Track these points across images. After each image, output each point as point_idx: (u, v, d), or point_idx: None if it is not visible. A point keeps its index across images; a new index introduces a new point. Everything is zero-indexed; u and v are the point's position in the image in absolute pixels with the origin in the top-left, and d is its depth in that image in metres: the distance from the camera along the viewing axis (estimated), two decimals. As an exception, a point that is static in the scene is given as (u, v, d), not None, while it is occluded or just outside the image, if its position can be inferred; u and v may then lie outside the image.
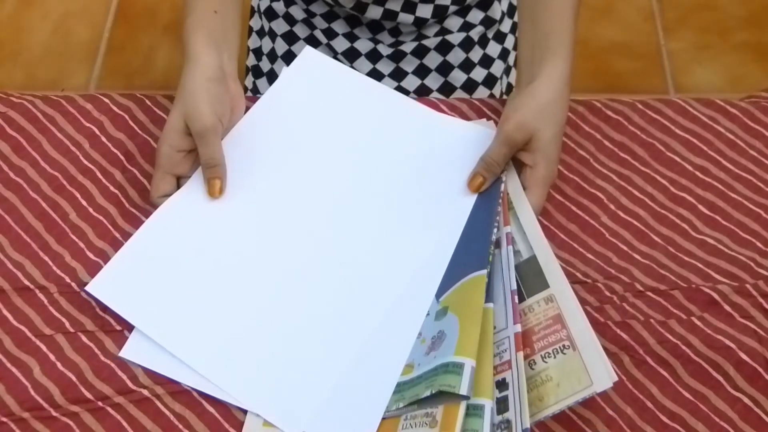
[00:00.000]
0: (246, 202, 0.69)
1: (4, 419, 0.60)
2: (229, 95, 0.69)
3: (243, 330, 0.63)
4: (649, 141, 0.75)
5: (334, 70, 0.77)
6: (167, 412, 0.61)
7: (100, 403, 0.61)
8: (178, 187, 0.69)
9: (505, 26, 0.95)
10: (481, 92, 0.94)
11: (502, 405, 0.55)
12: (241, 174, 0.69)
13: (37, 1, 1.69)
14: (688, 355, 0.64)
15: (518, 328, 0.58)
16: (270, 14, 0.95)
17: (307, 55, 0.77)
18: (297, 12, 0.93)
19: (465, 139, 0.71)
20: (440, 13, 0.88)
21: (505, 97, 0.97)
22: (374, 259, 0.66)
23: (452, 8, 0.88)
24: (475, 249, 0.64)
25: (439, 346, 0.59)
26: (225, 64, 0.69)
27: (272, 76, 0.95)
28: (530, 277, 0.62)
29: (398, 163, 0.71)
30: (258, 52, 0.98)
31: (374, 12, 0.87)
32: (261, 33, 0.97)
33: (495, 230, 0.63)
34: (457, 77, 0.92)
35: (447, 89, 0.93)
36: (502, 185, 0.67)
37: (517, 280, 0.62)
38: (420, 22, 0.89)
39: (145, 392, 0.62)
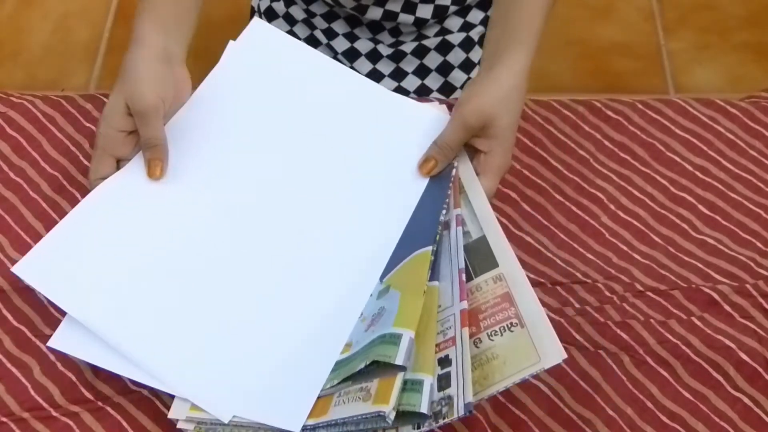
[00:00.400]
0: (188, 185, 0.67)
1: (4, 419, 0.60)
2: (173, 78, 0.68)
3: (177, 314, 0.61)
4: (649, 141, 0.75)
5: (282, 43, 0.74)
6: (167, 412, 0.61)
7: (100, 403, 0.61)
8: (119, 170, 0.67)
9: (505, 26, 0.95)
10: None
11: (443, 381, 0.54)
12: (183, 156, 0.67)
13: (37, 1, 1.69)
14: (688, 355, 0.64)
15: (464, 305, 0.57)
16: (270, 14, 0.95)
17: (254, 27, 0.74)
18: (297, 12, 0.93)
19: (418, 121, 0.69)
20: (440, 14, 0.88)
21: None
22: (320, 240, 0.65)
23: (452, 8, 0.88)
24: (422, 229, 0.62)
25: (378, 322, 0.57)
26: (172, 48, 0.68)
27: None
28: (479, 257, 0.61)
29: (349, 143, 0.69)
30: (258, 52, 0.98)
31: (374, 13, 0.87)
32: (261, 33, 0.97)
33: (444, 212, 0.62)
34: (458, 77, 0.92)
35: (447, 89, 0.93)
36: (454, 170, 0.66)
37: (465, 260, 0.60)
38: (420, 23, 0.89)
39: (145, 392, 0.62)
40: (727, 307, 0.66)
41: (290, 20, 0.93)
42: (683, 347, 0.64)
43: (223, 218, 0.66)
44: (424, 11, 0.87)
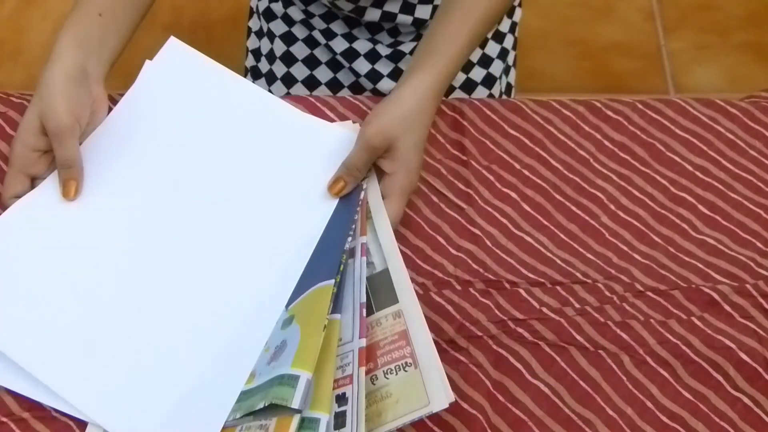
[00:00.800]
0: (101, 206, 0.67)
1: (4, 419, 0.60)
2: (90, 97, 0.67)
3: (87, 338, 0.61)
4: (649, 141, 0.75)
5: (197, 63, 0.73)
6: (167, 413, 0.61)
7: (99, 404, 0.61)
8: (33, 188, 0.66)
9: (504, 26, 0.95)
10: (480, 92, 0.94)
11: (339, 420, 0.55)
12: (98, 176, 0.68)
13: (37, 1, 1.69)
14: (688, 355, 0.64)
15: (363, 342, 0.57)
16: (269, 15, 0.95)
17: (171, 46, 0.74)
18: (295, 13, 0.93)
19: (329, 142, 0.70)
20: (440, 14, 0.88)
21: (504, 96, 0.97)
22: (228, 265, 0.65)
23: (451, 8, 0.88)
24: (327, 258, 0.63)
25: (280, 356, 0.58)
26: (90, 66, 0.67)
27: (271, 77, 0.95)
28: (381, 291, 0.62)
29: (259, 165, 0.69)
30: (257, 53, 0.98)
31: (373, 14, 0.87)
32: (260, 34, 0.97)
33: (349, 239, 0.62)
34: (456, 77, 0.92)
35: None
36: (362, 193, 0.66)
37: (367, 293, 0.61)
38: (419, 23, 0.89)
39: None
40: (727, 307, 0.66)
41: (288, 21, 0.93)
42: (683, 347, 0.64)
43: (134, 240, 0.66)
44: (423, 12, 0.87)
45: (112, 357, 0.61)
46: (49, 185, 0.67)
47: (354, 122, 0.72)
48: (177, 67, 0.73)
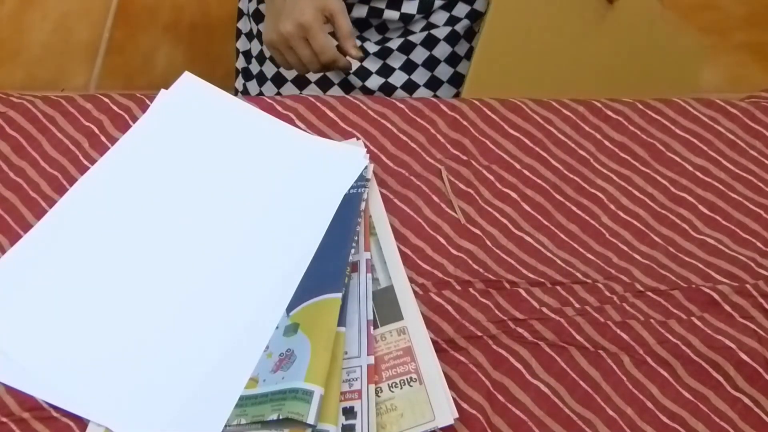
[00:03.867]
0: (110, 218, 0.69)
1: (4, 419, 0.60)
2: None
3: (91, 341, 0.63)
4: (649, 141, 0.75)
5: (210, 94, 0.76)
6: (167, 412, 0.61)
7: (99, 403, 0.61)
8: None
9: (490, 18, 0.94)
10: None
11: None
12: (111, 191, 0.70)
13: (37, 1, 1.69)
14: (688, 355, 0.64)
15: (372, 359, 0.60)
16: (258, 17, 0.95)
17: (185, 79, 0.77)
18: (283, 15, 0.93)
19: (332, 157, 0.71)
20: (426, 9, 0.88)
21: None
22: (229, 270, 0.66)
23: (438, 3, 0.88)
24: (330, 269, 0.64)
25: (289, 367, 0.58)
26: None
27: (261, 78, 0.95)
28: (386, 306, 0.64)
29: (262, 178, 0.71)
30: (247, 55, 0.98)
31: (360, 11, 0.87)
32: (249, 35, 0.97)
33: (352, 251, 0.64)
34: (444, 71, 0.92)
35: (434, 83, 0.93)
36: (363, 204, 0.67)
37: (372, 309, 0.63)
38: (406, 18, 0.89)
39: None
40: (727, 307, 0.66)
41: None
42: (683, 347, 0.64)
43: (139, 246, 0.68)
44: (410, 7, 0.87)
45: (116, 359, 0.62)
46: (63, 204, 0.69)
47: (358, 139, 0.73)
48: (190, 97, 0.76)
